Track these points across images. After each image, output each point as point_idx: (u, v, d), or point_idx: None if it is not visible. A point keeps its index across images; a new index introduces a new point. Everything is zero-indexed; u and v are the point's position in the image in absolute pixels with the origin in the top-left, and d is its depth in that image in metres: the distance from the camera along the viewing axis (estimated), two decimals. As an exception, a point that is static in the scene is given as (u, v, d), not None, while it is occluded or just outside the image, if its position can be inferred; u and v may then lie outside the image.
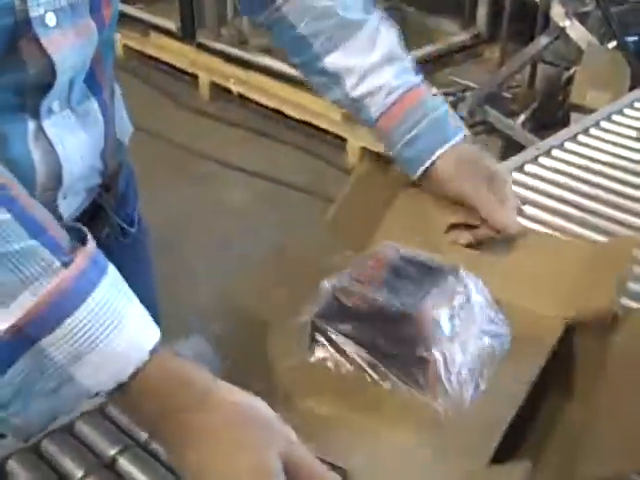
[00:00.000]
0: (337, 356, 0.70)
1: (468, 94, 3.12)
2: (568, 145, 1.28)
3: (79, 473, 0.69)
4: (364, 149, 3.13)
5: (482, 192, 0.83)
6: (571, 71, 3.02)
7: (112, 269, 0.59)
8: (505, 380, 0.69)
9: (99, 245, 0.84)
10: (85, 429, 0.74)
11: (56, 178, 0.75)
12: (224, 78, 3.57)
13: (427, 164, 0.86)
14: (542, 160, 1.24)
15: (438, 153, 0.85)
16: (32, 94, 0.72)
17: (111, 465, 0.71)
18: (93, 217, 0.85)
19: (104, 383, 0.56)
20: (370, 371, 0.69)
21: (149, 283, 1.03)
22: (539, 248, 0.84)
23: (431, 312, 0.68)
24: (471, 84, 3.30)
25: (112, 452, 0.71)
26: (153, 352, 0.56)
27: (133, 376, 0.56)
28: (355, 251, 0.81)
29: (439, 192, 0.87)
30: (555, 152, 1.26)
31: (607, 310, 0.74)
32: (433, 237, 0.84)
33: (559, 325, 0.74)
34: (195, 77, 3.70)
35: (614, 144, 1.28)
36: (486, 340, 0.71)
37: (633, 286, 0.88)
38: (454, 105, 3.01)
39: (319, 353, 0.72)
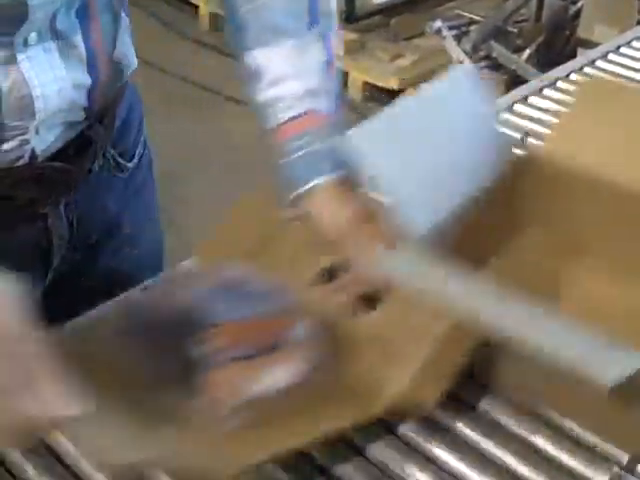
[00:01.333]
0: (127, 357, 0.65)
1: (472, 28, 3.06)
2: (574, 77, 1.26)
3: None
4: (366, 83, 3.09)
5: (351, 231, 0.75)
6: (578, 5, 2.96)
7: None
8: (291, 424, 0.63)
9: (89, 179, 0.83)
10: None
11: (28, 111, 0.73)
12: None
13: (299, 192, 0.79)
14: (547, 92, 1.22)
15: (312, 183, 0.78)
16: (3, 24, 0.68)
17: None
18: (80, 149, 0.82)
19: None
20: (149, 380, 0.64)
21: (151, 214, 1.01)
22: (401, 309, 0.74)
23: (228, 332, 0.66)
24: (476, 18, 3.24)
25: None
26: None
27: None
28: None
29: (312, 226, 0.79)
30: (560, 84, 1.24)
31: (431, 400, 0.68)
32: (302, 283, 0.78)
33: (386, 402, 0.66)
34: (195, 7, 3.64)
35: (621, 77, 1.25)
36: (288, 382, 0.66)
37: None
38: (458, 39, 2.96)
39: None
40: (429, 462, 0.67)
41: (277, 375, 0.65)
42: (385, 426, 0.69)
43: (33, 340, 0.54)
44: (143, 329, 0.67)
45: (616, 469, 0.66)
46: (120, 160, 0.89)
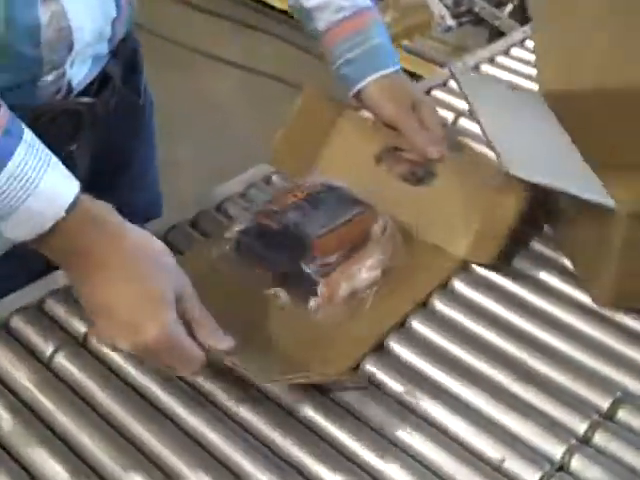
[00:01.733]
0: (245, 267, 0.77)
1: (455, -17, 3.02)
2: (556, 28, 1.24)
3: (50, 349, 0.69)
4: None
5: (406, 117, 0.88)
6: (561, -41, 2.93)
7: (28, 135, 0.62)
8: (385, 306, 0.75)
9: (107, 116, 0.86)
10: (56, 308, 0.73)
11: (66, 44, 0.74)
12: (204, -35, 3.45)
13: (358, 86, 0.90)
14: (529, 43, 1.21)
15: (369, 78, 0.89)
16: None
17: (84, 341, 0.70)
18: (102, 86, 0.85)
19: (24, 236, 0.61)
20: (267, 286, 0.75)
21: (152, 154, 1.05)
22: (455, 179, 0.86)
23: (328, 243, 0.75)
24: (458, -27, 3.20)
25: (83, 329, 0.71)
26: (71, 208, 0.61)
27: (52, 229, 0.60)
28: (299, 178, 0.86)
29: (371, 114, 0.92)
30: (542, 35, 1.22)
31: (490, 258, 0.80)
32: (367, 162, 0.89)
33: (453, 263, 0.81)
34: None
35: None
36: (378, 272, 0.77)
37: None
38: (440, -6, 2.92)
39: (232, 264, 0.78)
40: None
41: (367, 269, 0.76)
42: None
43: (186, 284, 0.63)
44: (260, 246, 0.77)
45: (595, 416, 0.66)
46: (130, 97, 0.93)
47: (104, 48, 0.82)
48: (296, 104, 0.91)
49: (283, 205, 0.77)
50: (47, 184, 0.60)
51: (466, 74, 0.96)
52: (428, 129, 0.88)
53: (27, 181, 0.59)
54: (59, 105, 0.79)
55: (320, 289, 0.73)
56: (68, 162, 0.84)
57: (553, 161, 0.81)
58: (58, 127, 0.80)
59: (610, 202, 0.74)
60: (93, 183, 0.89)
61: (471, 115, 0.84)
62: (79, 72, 0.79)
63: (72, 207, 0.61)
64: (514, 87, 1.06)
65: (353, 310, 0.74)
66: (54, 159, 0.62)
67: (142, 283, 0.61)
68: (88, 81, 0.82)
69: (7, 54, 0.70)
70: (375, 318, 0.74)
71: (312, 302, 0.74)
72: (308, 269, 0.74)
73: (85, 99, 0.82)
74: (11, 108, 0.72)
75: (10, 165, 0.59)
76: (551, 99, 0.88)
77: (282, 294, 0.75)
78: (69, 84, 0.78)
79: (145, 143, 1.02)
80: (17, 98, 0.72)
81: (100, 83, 0.85)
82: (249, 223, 0.78)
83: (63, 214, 0.60)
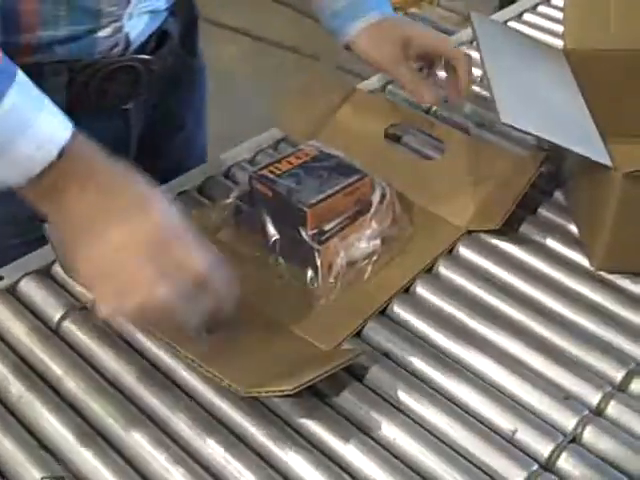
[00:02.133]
0: (245, 235, 0.77)
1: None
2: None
3: (58, 314, 0.68)
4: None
5: (396, 64, 0.87)
6: None
7: (21, 76, 0.60)
8: (384, 275, 0.75)
9: (164, 75, 0.86)
10: (62, 273, 0.72)
11: None
12: None
13: (347, 38, 0.89)
14: (542, 9, 1.19)
15: (357, 28, 0.88)
16: None
17: (92, 306, 0.70)
18: (159, 44, 0.85)
19: (14, 180, 0.59)
20: (266, 253, 0.74)
21: (204, 125, 1.06)
22: (463, 154, 0.87)
23: (322, 211, 0.73)
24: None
25: (90, 295, 0.70)
26: (62, 152, 0.58)
27: (41, 174, 0.58)
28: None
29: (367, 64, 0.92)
30: (556, 0, 1.20)
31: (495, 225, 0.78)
32: (373, 135, 0.90)
33: (456, 233, 0.79)
34: None
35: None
36: (378, 241, 0.76)
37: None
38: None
39: (232, 230, 0.78)
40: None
41: (366, 239, 0.76)
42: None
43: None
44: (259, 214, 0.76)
45: (609, 388, 0.65)
46: (186, 58, 0.93)
47: (162, 3, 0.82)
48: (308, 76, 0.92)
49: (278, 172, 0.76)
50: (41, 125, 0.58)
51: (486, 21, 0.94)
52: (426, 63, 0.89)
53: (20, 122, 0.58)
54: (116, 61, 0.78)
55: (318, 257, 0.72)
56: (123, 121, 0.86)
57: (555, 116, 0.80)
58: (115, 84, 0.80)
59: (607, 161, 0.72)
60: (146, 143, 0.91)
61: (481, 66, 0.82)
62: (136, 26, 0.79)
63: (66, 148, 0.59)
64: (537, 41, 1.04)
65: (351, 280, 0.73)
66: (47, 100, 0.60)
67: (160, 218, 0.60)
68: (145, 37, 0.82)
69: (67, 5, 0.70)
70: (374, 288, 0.73)
71: (310, 272, 0.73)
72: (306, 236, 0.73)
73: (142, 56, 0.81)
74: (69, 61, 0.73)
75: (2, 106, 0.57)
76: (572, 58, 0.87)
77: (280, 262, 0.74)
78: (127, 38, 0.78)
79: (197, 109, 1.02)
80: (75, 51, 0.74)
81: (158, 40, 0.85)
82: (246, 188, 0.77)
83: (54, 158, 0.58)
